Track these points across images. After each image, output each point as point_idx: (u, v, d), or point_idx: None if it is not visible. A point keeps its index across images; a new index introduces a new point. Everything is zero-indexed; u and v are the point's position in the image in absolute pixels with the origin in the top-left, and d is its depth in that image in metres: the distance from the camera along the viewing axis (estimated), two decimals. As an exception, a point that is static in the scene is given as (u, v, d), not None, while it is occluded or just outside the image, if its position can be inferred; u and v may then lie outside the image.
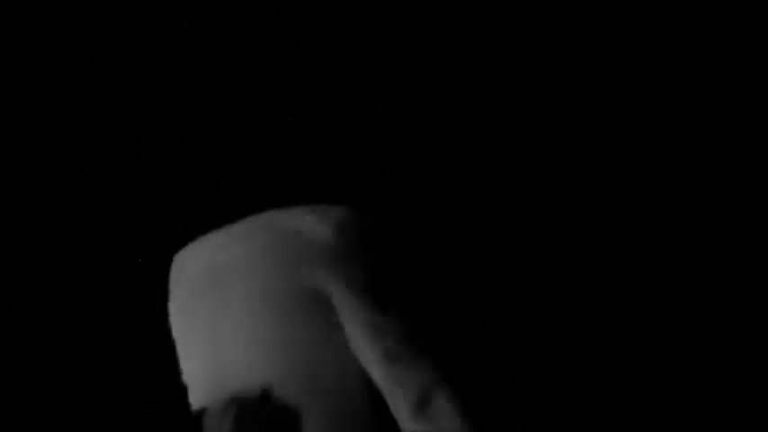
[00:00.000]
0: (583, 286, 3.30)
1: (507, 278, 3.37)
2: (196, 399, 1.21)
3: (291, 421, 0.95)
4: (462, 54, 3.32)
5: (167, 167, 3.16)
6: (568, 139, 3.33)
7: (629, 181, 3.28)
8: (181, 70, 3.14)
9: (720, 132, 3.18)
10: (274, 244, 1.14)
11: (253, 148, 2.50)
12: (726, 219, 3.17)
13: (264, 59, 3.15)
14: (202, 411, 1.06)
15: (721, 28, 3.13)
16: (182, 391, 1.31)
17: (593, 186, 3.32)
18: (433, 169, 3.36)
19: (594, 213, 3.29)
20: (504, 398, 3.33)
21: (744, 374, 3.14)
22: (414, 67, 3.32)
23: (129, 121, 3.17)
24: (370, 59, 3.24)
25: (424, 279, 1.00)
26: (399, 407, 1.06)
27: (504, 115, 3.38)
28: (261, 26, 3.14)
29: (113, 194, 3.14)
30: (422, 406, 1.07)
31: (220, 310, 1.20)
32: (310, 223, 1.13)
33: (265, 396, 1.00)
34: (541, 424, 3.37)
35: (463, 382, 1.11)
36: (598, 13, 3.19)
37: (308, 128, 2.54)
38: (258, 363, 1.10)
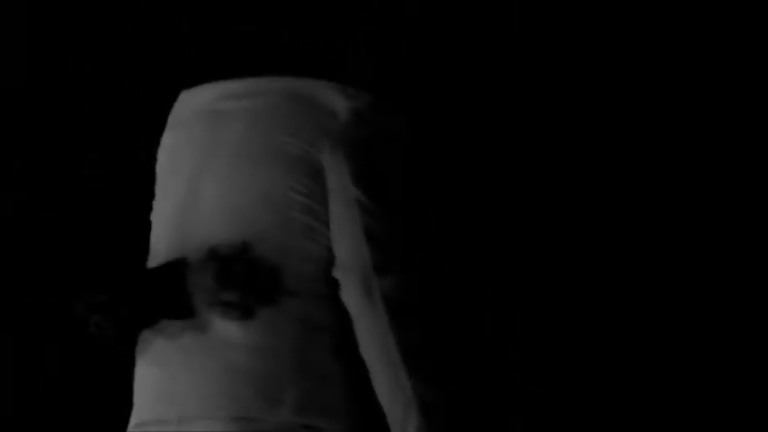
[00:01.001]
0: (583, 286, 3.29)
1: (507, 278, 3.36)
2: (161, 239, 1.24)
3: (270, 276, 1.00)
4: (462, 54, 3.31)
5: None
6: (568, 139, 3.32)
7: (629, 181, 3.27)
8: (181, 70, 3.13)
9: (720, 132, 3.17)
10: (290, 107, 1.14)
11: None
12: (726, 219, 3.17)
13: (264, 59, 3.15)
14: (183, 263, 1.07)
15: (721, 28, 3.12)
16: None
17: (593, 186, 3.31)
18: (433, 169, 3.35)
19: (594, 213, 3.28)
20: (505, 398, 3.33)
21: (744, 374, 3.13)
22: (414, 67, 3.31)
23: (129, 121, 3.16)
24: (370, 59, 3.23)
25: (421, 188, 1.00)
26: (349, 281, 1.09)
27: (504, 115, 3.37)
28: (261, 26, 3.13)
29: (113, 194, 3.14)
30: (368, 289, 1.11)
31: (211, 156, 1.21)
32: (334, 100, 1.13)
33: (245, 250, 1.03)
34: (541, 424, 3.36)
35: (417, 292, 1.17)
36: (598, 13, 3.19)
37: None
38: (238, 215, 1.12)
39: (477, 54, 3.29)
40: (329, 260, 1.14)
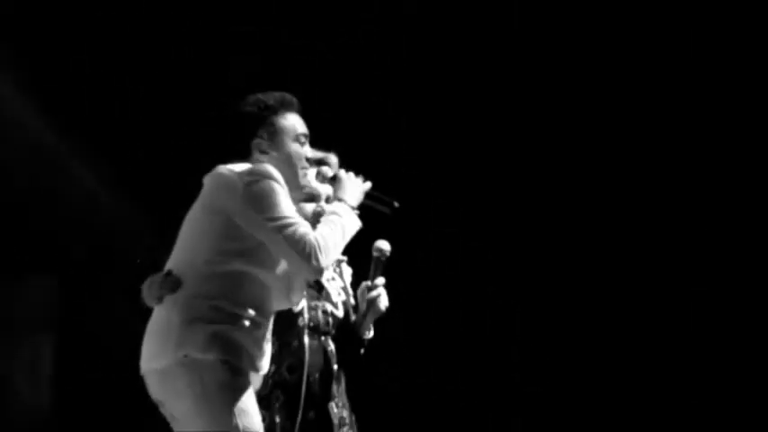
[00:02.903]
0: (582, 286, 3.30)
1: (507, 278, 3.37)
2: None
3: (176, 286, 1.81)
4: (462, 55, 3.32)
5: (166, 169, 3.18)
6: (568, 140, 3.33)
7: (628, 181, 3.28)
8: (180, 70, 3.15)
9: (720, 132, 3.18)
10: (215, 181, 1.86)
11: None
12: (725, 219, 3.18)
13: (264, 59, 3.17)
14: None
15: (721, 28, 3.13)
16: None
17: (592, 187, 3.32)
18: (433, 169, 3.37)
19: (594, 214, 3.30)
20: (505, 398, 3.34)
21: (744, 374, 3.14)
22: (413, 68, 3.33)
23: (130, 120, 3.18)
24: (370, 59, 3.25)
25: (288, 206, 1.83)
26: (291, 254, 1.83)
27: (503, 115, 3.39)
28: (261, 26, 3.15)
29: (113, 192, 3.16)
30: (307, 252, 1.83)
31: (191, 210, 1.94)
32: (233, 174, 1.84)
33: (167, 274, 1.84)
34: (541, 424, 3.37)
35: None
36: (598, 14, 3.20)
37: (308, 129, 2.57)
38: (179, 249, 1.89)
39: (476, 54, 3.31)
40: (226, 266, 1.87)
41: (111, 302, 3.00)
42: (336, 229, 1.86)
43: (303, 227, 1.80)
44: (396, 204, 1.93)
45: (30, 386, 3.08)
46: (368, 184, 1.93)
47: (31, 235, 3.08)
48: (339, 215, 1.88)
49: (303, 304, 1.95)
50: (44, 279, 3.13)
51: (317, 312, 1.98)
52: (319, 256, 1.80)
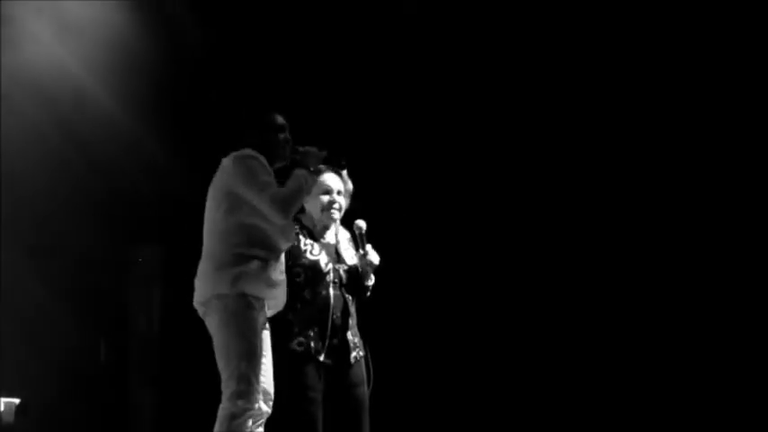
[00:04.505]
0: (582, 288, 3.30)
1: (507, 278, 3.38)
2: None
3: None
4: (460, 54, 3.33)
5: (166, 172, 3.19)
6: (568, 141, 3.34)
7: (627, 181, 3.29)
8: (182, 69, 3.16)
9: (720, 133, 3.18)
10: (221, 168, 2.50)
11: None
12: (725, 219, 3.18)
13: (264, 60, 3.18)
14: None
15: (721, 28, 3.13)
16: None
17: (592, 188, 3.33)
18: (431, 169, 3.38)
19: (593, 216, 3.30)
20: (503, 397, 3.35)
21: (744, 374, 3.14)
22: (413, 68, 3.34)
23: (133, 121, 3.19)
24: (370, 59, 3.26)
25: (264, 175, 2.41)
26: (268, 208, 2.47)
27: (503, 115, 3.39)
28: (260, 27, 3.17)
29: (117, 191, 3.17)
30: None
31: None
32: (228, 160, 2.48)
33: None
34: (541, 424, 3.37)
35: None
36: (596, 14, 3.21)
37: (310, 130, 2.59)
38: (206, 230, 2.54)
39: (475, 54, 3.32)
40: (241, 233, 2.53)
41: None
42: (295, 188, 2.48)
43: (273, 187, 2.46)
44: (344, 163, 2.60)
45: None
46: (323, 153, 2.53)
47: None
48: (298, 177, 2.49)
49: (330, 266, 2.65)
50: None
51: (338, 272, 2.66)
52: (284, 208, 2.47)
